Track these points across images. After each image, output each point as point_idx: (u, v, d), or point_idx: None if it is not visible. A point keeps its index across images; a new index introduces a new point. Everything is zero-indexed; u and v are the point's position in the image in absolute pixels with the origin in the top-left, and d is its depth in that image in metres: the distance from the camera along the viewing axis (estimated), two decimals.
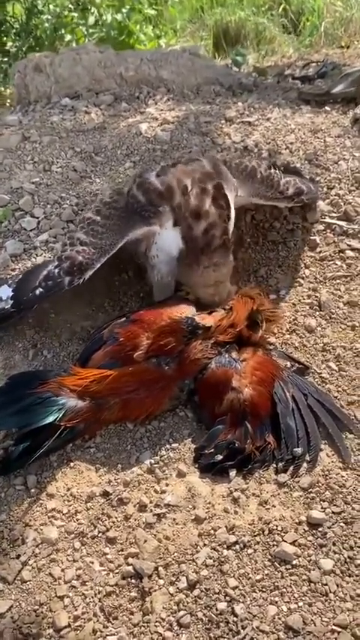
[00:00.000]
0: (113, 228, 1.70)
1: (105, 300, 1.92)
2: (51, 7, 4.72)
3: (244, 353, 1.58)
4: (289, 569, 1.25)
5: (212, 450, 1.45)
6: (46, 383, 1.52)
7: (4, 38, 4.79)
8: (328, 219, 2.04)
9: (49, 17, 4.61)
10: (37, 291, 1.64)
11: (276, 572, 1.24)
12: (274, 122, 2.55)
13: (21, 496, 1.42)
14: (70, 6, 4.75)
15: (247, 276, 1.97)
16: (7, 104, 3.76)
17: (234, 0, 6.04)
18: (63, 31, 4.59)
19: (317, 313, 1.79)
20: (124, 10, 4.53)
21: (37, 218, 2.15)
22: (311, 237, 2.01)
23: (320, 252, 1.97)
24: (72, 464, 1.48)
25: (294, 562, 1.25)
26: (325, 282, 1.88)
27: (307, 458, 1.44)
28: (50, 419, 1.44)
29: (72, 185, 2.30)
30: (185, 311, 1.59)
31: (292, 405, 1.50)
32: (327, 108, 2.68)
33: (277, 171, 1.93)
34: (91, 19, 4.59)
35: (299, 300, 1.84)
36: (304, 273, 1.92)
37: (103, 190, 2.16)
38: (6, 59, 4.46)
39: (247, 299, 1.69)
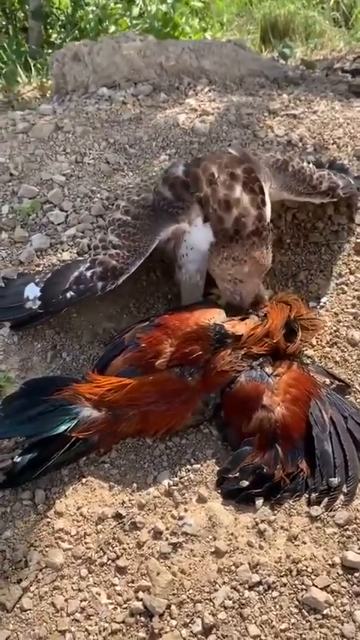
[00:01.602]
0: (144, 228, 1.59)
1: (130, 300, 1.80)
2: None
3: (278, 367, 1.43)
4: (319, 619, 1.09)
5: (237, 474, 1.30)
6: (61, 390, 1.40)
7: (50, 30, 4.77)
8: None
9: (94, 9, 4.55)
10: (68, 294, 1.55)
11: (304, 622, 1.09)
12: (321, 115, 2.38)
13: (27, 512, 1.31)
14: None
15: (284, 281, 1.82)
16: (48, 95, 3.70)
17: None
18: (107, 23, 4.52)
19: None
20: (169, 1, 4.42)
21: (66, 212, 2.04)
22: (358, 240, 1.83)
23: None
24: (84, 480, 1.36)
25: (325, 611, 1.10)
26: None
27: (345, 489, 1.28)
28: (61, 429, 1.32)
29: (104, 178, 2.18)
30: (214, 317, 1.45)
31: (330, 429, 1.34)
32: None
33: (311, 165, 1.78)
34: (136, 11, 4.51)
35: (342, 310, 1.67)
36: (348, 280, 1.75)
37: (131, 187, 2.03)
38: (50, 51, 4.41)
39: (282, 305, 1.53)
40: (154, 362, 1.39)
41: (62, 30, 4.80)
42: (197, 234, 1.55)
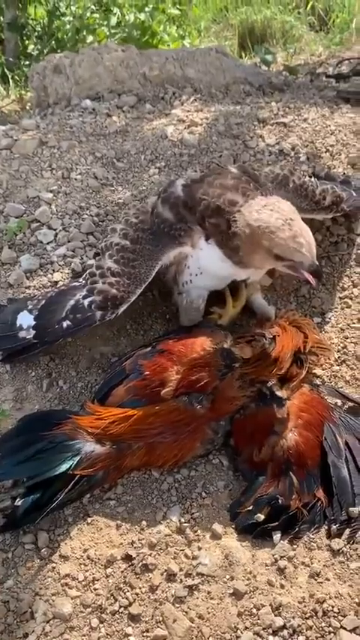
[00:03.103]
0: (144, 253, 1.51)
1: (127, 322, 1.72)
2: (73, 8, 4.62)
3: (288, 390, 1.36)
4: None
5: (251, 507, 1.24)
6: (61, 424, 1.33)
7: (27, 41, 4.70)
8: None
9: (71, 19, 4.50)
10: (65, 324, 1.47)
11: None
12: (312, 123, 2.34)
13: (31, 557, 1.23)
14: (93, 7, 4.64)
15: (286, 296, 1.76)
16: (28, 108, 3.63)
17: None
18: (85, 33, 4.47)
19: None
20: (146, 10, 4.39)
21: (55, 230, 1.97)
22: (359, 251, 1.79)
23: None
24: (89, 519, 1.28)
25: None
26: None
27: None
28: (63, 467, 1.25)
29: (92, 194, 2.11)
30: (221, 341, 1.38)
31: (346, 454, 1.28)
32: None
33: (313, 179, 1.72)
34: (114, 20, 4.46)
35: (348, 325, 1.62)
36: (352, 293, 1.70)
37: (127, 208, 1.95)
38: (27, 62, 4.35)
39: (295, 331, 1.47)
40: (160, 391, 1.32)
41: (39, 41, 4.74)
42: (206, 256, 1.48)
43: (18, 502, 1.23)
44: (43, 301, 1.58)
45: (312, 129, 2.30)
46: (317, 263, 1.35)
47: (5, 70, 4.04)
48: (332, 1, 5.20)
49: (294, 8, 5.57)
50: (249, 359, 1.36)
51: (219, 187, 1.47)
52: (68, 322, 1.47)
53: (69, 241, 1.91)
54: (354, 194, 1.80)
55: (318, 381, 1.50)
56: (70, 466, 1.25)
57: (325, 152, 2.18)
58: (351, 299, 1.68)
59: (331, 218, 1.87)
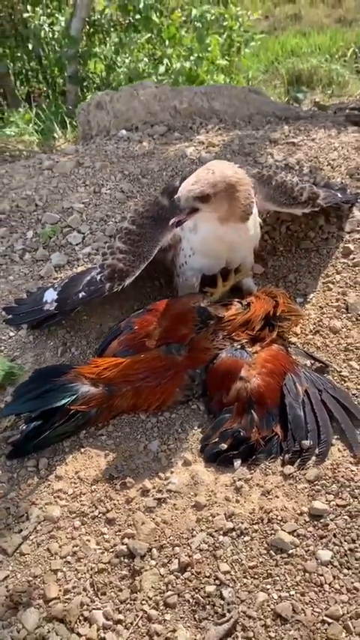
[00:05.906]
0: (147, 236, 1.78)
1: (135, 303, 1.97)
2: (126, 61, 5.11)
3: (257, 345, 1.56)
4: (285, 557, 1.19)
5: (217, 439, 1.42)
6: (66, 373, 1.58)
7: (86, 92, 5.23)
8: None
9: (125, 70, 4.98)
10: (80, 295, 1.74)
11: (270, 560, 1.19)
12: (319, 142, 2.57)
13: (31, 476, 1.46)
14: (145, 59, 5.12)
15: (275, 282, 1.96)
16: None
17: (307, 49, 6.27)
18: (136, 81, 4.92)
19: (344, 315, 1.75)
20: (192, 58, 4.80)
21: (83, 234, 2.27)
22: (346, 245, 1.98)
23: (354, 258, 1.93)
24: (83, 449, 1.51)
25: (290, 551, 1.19)
26: (356, 287, 1.83)
27: (317, 451, 1.38)
28: (62, 402, 1.49)
29: (118, 204, 2.42)
30: (199, 301, 1.60)
31: (304, 398, 1.45)
32: None
33: (294, 178, 1.93)
34: (162, 69, 4.90)
35: (327, 304, 1.80)
36: (334, 279, 1.88)
37: (137, 201, 2.25)
38: None
39: (268, 298, 1.67)
40: (145, 341, 1.55)
41: (97, 91, 5.24)
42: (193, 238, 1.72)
43: (22, 427, 1.47)
44: (66, 280, 1.86)
45: (317, 146, 2.53)
46: (179, 199, 1.56)
47: (65, 117, 4.51)
48: None
49: (340, 57, 5.92)
50: (222, 317, 1.57)
51: None
52: (83, 293, 1.73)
53: (94, 242, 2.20)
54: (339, 195, 2.01)
55: (291, 346, 1.68)
56: (68, 401, 1.49)
57: (327, 165, 2.40)
58: (332, 283, 1.86)
59: (324, 217, 2.09)
